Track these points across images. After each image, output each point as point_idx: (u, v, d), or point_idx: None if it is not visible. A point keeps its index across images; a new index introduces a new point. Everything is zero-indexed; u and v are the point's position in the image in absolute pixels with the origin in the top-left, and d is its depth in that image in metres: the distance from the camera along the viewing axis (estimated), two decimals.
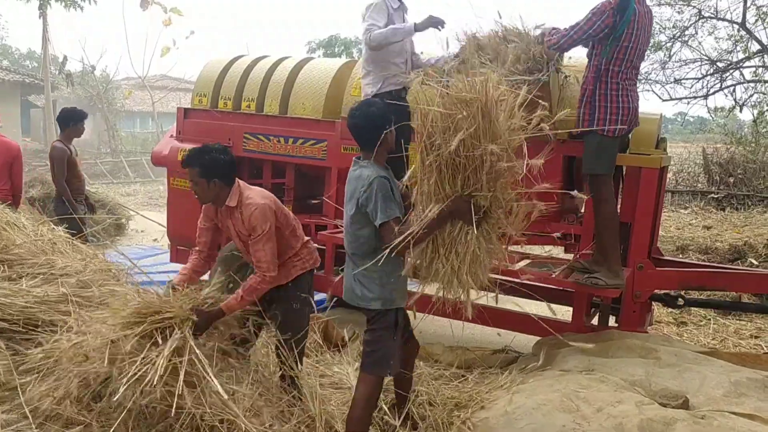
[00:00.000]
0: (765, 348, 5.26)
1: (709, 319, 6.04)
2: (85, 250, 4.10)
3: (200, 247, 3.49)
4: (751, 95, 15.07)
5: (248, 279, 3.22)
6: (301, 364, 3.47)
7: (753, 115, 15.44)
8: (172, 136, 5.95)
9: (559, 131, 4.54)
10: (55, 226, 4.56)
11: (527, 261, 4.64)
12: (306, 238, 3.55)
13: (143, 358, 2.79)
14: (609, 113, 3.87)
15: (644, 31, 3.91)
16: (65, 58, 19.92)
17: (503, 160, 2.71)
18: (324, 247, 5.27)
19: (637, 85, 4.12)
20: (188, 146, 5.54)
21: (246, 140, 5.49)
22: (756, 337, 5.67)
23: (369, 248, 2.92)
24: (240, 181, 3.32)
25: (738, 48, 14.12)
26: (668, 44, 14.91)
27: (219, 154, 3.22)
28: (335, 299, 5.19)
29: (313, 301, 3.53)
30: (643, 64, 4.18)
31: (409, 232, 2.74)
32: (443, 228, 2.79)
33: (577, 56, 4.64)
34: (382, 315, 2.98)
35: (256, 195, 3.27)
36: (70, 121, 5.81)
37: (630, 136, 4.36)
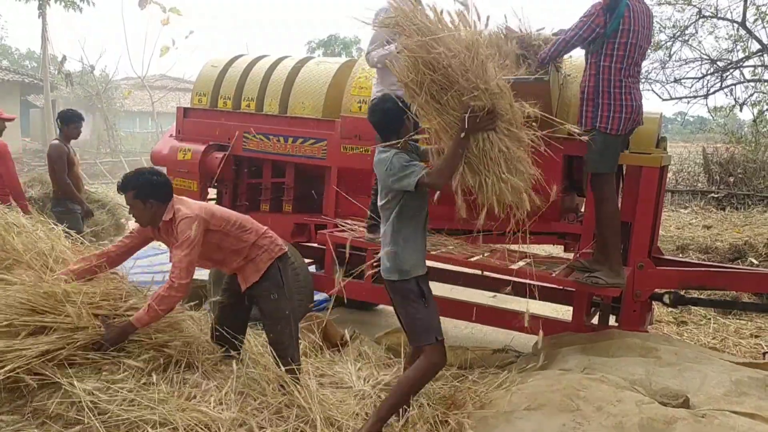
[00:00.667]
0: (765, 347, 5.26)
1: (709, 319, 6.04)
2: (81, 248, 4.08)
3: (117, 243, 3.58)
4: (751, 94, 15.08)
5: (158, 288, 3.24)
6: (297, 357, 3.53)
7: (753, 114, 15.44)
8: (171, 135, 5.94)
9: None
10: (54, 226, 4.55)
11: (527, 260, 4.62)
12: (263, 228, 3.58)
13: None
14: (612, 111, 3.85)
15: (643, 27, 3.89)
16: (64, 57, 19.88)
17: (464, 54, 2.81)
18: (324, 247, 5.29)
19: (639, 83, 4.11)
20: (188, 146, 5.55)
21: (246, 140, 5.48)
22: (756, 336, 5.67)
23: (392, 224, 3.17)
24: (176, 198, 3.37)
25: (738, 47, 14.12)
26: (668, 43, 14.92)
27: (152, 176, 3.31)
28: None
29: (287, 289, 3.56)
30: (643, 64, 4.16)
31: (437, 166, 3.03)
32: (466, 147, 2.97)
33: (578, 54, 4.63)
34: (401, 284, 3.19)
35: (188, 208, 3.31)
36: (67, 121, 5.86)
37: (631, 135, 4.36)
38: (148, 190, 3.26)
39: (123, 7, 41.93)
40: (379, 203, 3.23)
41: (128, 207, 3.33)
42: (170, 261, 3.40)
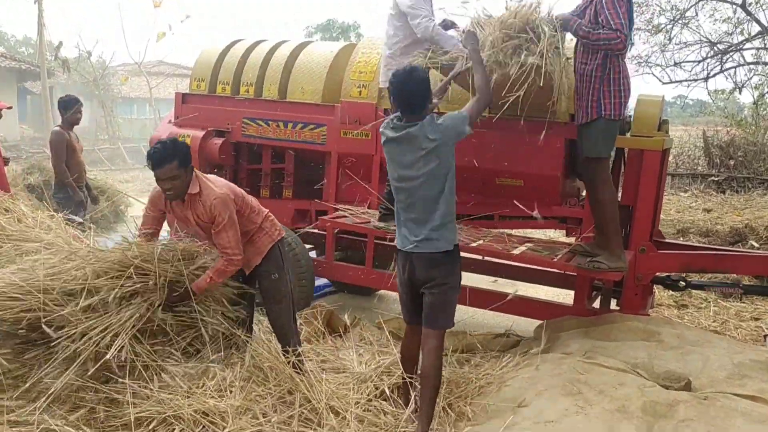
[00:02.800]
0: (766, 329, 5.27)
1: (710, 302, 6.04)
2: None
3: (145, 232, 3.51)
4: (751, 77, 15.03)
5: (216, 263, 3.32)
6: (297, 339, 3.60)
7: (753, 97, 15.40)
8: (170, 121, 5.90)
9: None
10: (54, 213, 4.55)
11: (529, 245, 4.62)
12: (265, 210, 3.64)
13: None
14: (613, 97, 3.83)
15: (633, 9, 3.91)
16: (60, 43, 19.78)
17: None
18: (325, 233, 5.28)
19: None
20: (187, 131, 5.51)
21: (245, 125, 5.45)
22: (757, 319, 5.68)
23: (445, 197, 3.10)
24: (195, 170, 3.35)
25: (738, 30, 14.05)
26: (668, 27, 14.83)
27: (184, 144, 3.37)
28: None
29: (287, 271, 3.64)
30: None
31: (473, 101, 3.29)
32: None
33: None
34: (455, 251, 3.22)
35: (214, 185, 3.33)
36: (66, 108, 5.85)
37: (631, 118, 4.34)
38: (187, 157, 3.25)
39: None
40: (416, 182, 3.09)
41: (166, 180, 3.18)
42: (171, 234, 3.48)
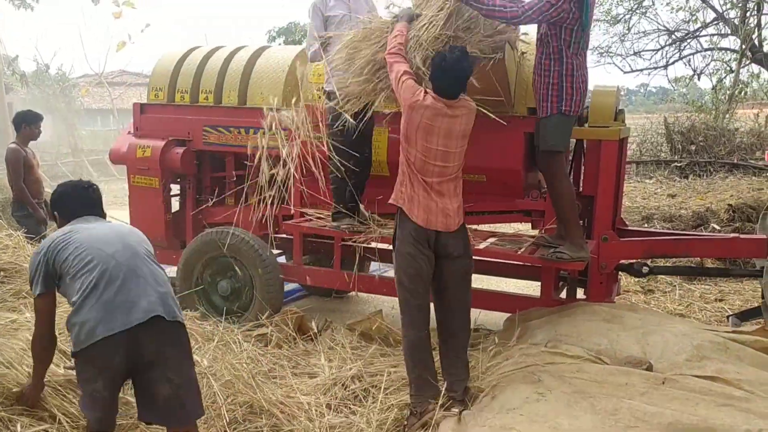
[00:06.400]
0: (730, 311, 5.39)
1: (675, 286, 6.17)
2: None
3: None
4: (708, 63, 15.38)
5: None
6: None
7: (711, 82, 15.74)
8: (129, 132, 5.82)
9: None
10: (13, 231, 4.48)
11: (494, 239, 4.67)
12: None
13: None
14: (573, 94, 3.86)
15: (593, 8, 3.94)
16: (16, 57, 19.37)
17: None
18: (291, 237, 5.27)
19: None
20: (147, 142, 5.44)
21: (206, 133, 5.39)
22: (720, 300, 5.81)
23: None
24: None
25: (693, 17, 14.36)
26: (626, 17, 15.11)
27: None
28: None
29: None
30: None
31: None
32: None
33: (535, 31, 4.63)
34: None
35: None
36: (24, 123, 5.73)
37: (587, 109, 4.40)
38: None
39: (77, 2, 40.40)
40: None
41: None
42: None
